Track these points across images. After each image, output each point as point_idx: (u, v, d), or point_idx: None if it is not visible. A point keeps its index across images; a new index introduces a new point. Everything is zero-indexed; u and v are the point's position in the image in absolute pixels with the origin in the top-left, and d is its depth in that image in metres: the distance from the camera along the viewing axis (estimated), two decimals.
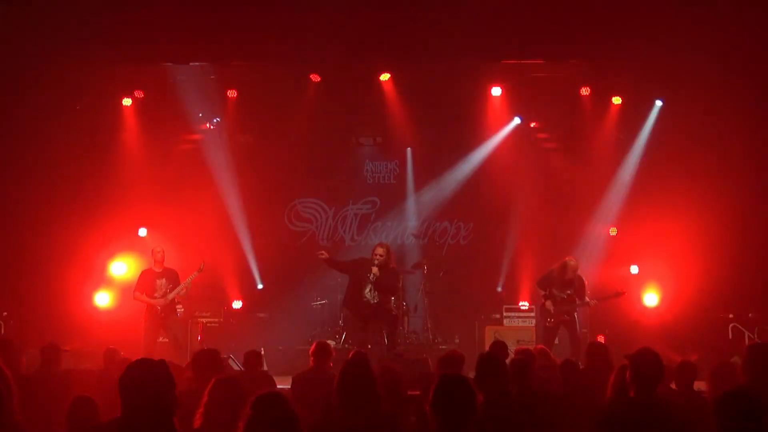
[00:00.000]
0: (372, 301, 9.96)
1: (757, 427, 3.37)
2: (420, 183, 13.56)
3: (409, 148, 13.52)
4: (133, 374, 3.39)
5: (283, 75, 12.36)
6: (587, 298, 10.52)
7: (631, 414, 4.12)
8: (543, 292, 10.51)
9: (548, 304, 10.37)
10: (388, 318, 10.23)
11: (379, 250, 10.04)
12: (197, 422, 3.99)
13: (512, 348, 8.81)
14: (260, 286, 12.95)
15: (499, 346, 7.35)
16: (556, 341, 10.59)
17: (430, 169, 13.44)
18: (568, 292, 10.38)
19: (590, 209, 12.60)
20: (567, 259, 10.51)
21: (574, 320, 10.41)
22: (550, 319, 10.37)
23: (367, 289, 9.96)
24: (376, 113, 12.97)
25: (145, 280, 10.37)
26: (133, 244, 12.43)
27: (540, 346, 8.39)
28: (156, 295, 10.26)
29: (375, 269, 9.90)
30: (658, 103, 12.52)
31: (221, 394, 4.06)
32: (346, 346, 11.30)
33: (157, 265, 10.45)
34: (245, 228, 13.05)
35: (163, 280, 10.36)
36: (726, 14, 10.04)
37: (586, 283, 10.77)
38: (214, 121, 13.10)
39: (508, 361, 7.03)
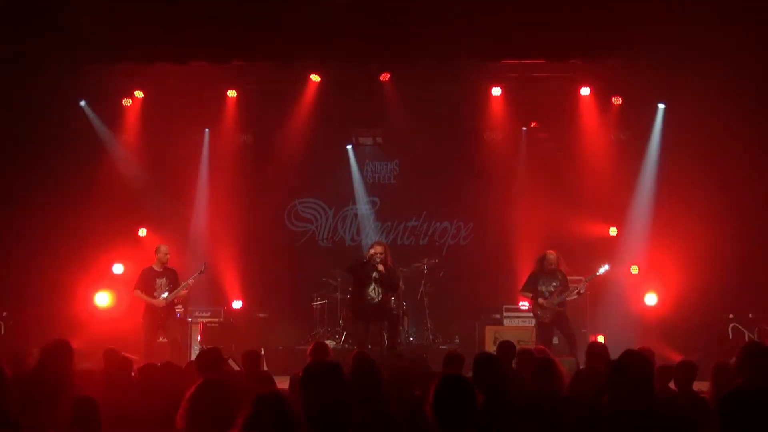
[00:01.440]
0: (376, 299, 9.99)
1: (761, 428, 3.36)
2: (419, 183, 13.58)
3: (406, 146, 13.55)
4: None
5: (283, 75, 12.36)
6: (574, 285, 10.49)
7: (630, 414, 4.11)
8: (530, 295, 10.55)
9: (540, 301, 10.42)
10: (389, 316, 10.26)
11: (378, 248, 10.07)
12: (179, 423, 3.91)
13: None
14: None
15: (507, 347, 7.32)
16: (555, 340, 10.59)
17: (430, 169, 13.45)
18: (554, 284, 10.43)
19: (590, 209, 12.59)
20: (545, 252, 10.56)
21: (567, 315, 10.40)
22: (545, 316, 10.38)
23: (371, 287, 9.99)
24: (376, 113, 12.97)
25: (145, 278, 10.37)
26: (133, 244, 12.43)
27: (540, 346, 8.38)
28: (155, 294, 10.27)
29: (381, 266, 9.93)
30: (661, 106, 12.53)
31: (203, 396, 3.99)
32: (346, 346, 11.31)
33: (158, 264, 10.45)
34: (245, 228, 13.06)
35: (164, 280, 10.36)
36: (726, 13, 10.03)
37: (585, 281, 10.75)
38: (211, 126, 13.13)
39: (513, 361, 7.05)
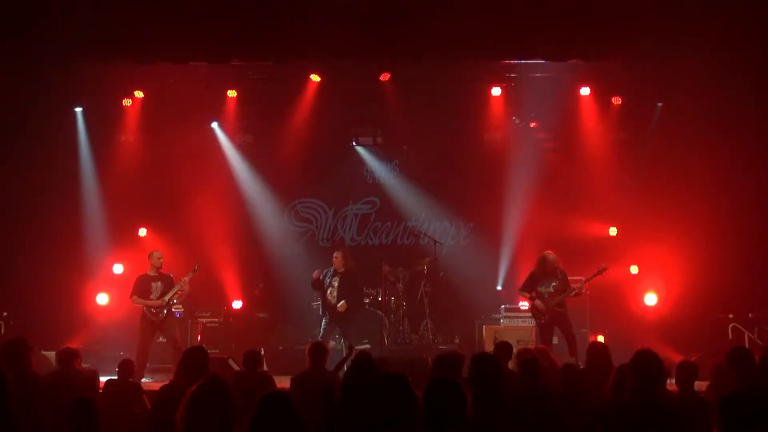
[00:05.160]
0: (332, 302, 10.75)
1: (761, 428, 3.36)
2: (419, 183, 13.58)
3: (405, 147, 13.56)
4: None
5: (283, 75, 12.35)
6: (573, 286, 10.49)
7: (630, 414, 4.11)
8: (529, 295, 10.56)
9: (537, 302, 10.42)
10: (343, 320, 10.81)
11: (337, 256, 10.96)
12: (178, 422, 3.89)
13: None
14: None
15: (504, 347, 7.33)
16: (555, 340, 10.58)
17: (430, 168, 13.45)
18: (554, 284, 10.43)
19: (590, 209, 12.59)
20: (545, 253, 10.59)
21: (567, 315, 10.40)
22: (544, 317, 10.38)
23: (328, 292, 10.78)
24: (376, 113, 12.97)
25: (140, 284, 10.45)
26: (133, 244, 12.43)
27: (541, 345, 8.39)
28: (151, 297, 10.30)
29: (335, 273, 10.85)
30: (660, 105, 12.53)
31: (203, 395, 3.93)
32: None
33: (153, 269, 10.50)
34: (245, 228, 13.06)
35: (159, 284, 10.41)
36: (726, 13, 10.03)
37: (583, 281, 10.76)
38: (211, 125, 13.12)
39: (511, 362, 7.07)
